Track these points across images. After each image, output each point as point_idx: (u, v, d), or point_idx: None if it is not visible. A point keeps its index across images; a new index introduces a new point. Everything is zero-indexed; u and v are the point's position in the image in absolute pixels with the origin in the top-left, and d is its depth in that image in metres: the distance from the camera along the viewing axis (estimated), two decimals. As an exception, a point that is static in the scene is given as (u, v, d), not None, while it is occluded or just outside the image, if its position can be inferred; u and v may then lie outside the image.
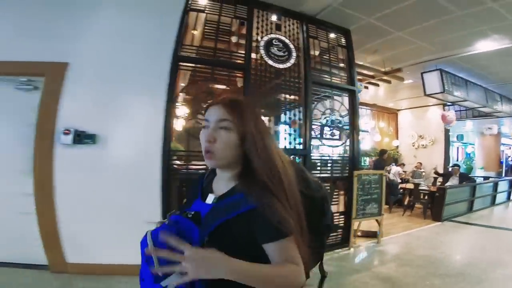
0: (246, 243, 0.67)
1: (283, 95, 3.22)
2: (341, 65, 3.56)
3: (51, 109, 2.23)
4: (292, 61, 3.11)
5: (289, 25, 3.22)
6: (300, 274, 0.65)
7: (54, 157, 2.22)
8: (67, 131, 2.20)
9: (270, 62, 2.99)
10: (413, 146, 8.11)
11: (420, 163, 7.30)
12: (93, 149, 2.27)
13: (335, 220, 3.21)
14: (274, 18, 3.17)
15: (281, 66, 3.04)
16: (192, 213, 0.74)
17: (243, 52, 2.93)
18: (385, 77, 5.36)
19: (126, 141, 2.39)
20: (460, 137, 9.81)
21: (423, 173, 7.12)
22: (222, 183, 0.78)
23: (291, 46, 3.13)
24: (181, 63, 2.66)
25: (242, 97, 0.81)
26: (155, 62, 2.50)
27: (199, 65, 2.82)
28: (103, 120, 2.32)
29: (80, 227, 2.30)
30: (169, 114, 2.48)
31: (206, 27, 2.83)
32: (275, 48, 3.04)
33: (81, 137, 2.23)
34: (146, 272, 0.66)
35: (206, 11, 2.84)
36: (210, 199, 0.78)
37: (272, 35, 3.08)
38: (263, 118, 0.80)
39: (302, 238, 0.69)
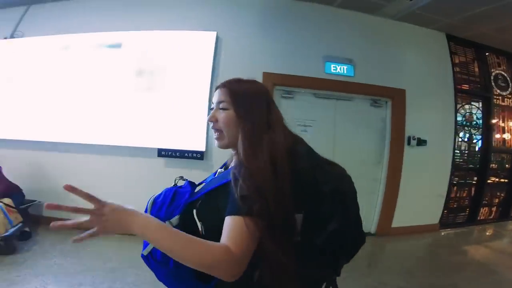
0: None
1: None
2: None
3: (399, 122, 3.29)
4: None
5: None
6: (223, 258, 0.55)
7: (404, 154, 3.28)
8: (413, 137, 3.26)
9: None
10: None
11: None
12: (424, 150, 3.34)
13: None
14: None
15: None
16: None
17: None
18: None
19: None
20: None
21: None
22: (232, 160, 0.81)
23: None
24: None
25: (248, 81, 0.81)
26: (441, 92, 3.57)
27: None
28: (429, 129, 3.40)
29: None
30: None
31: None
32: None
33: (419, 141, 3.29)
34: None
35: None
36: (217, 172, 0.84)
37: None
38: (272, 106, 0.77)
39: (276, 228, 0.59)
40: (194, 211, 0.75)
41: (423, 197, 3.44)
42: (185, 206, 0.75)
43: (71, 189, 0.57)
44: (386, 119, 3.38)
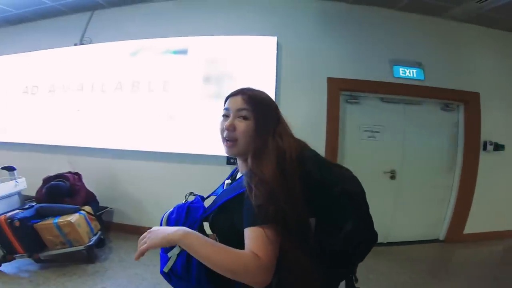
0: (241, 225, 0.65)
1: None
2: None
3: (474, 126, 3.13)
4: None
5: None
6: (253, 266, 0.58)
7: (479, 159, 3.12)
8: (490, 142, 3.09)
9: None
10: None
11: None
12: (502, 155, 3.16)
13: None
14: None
15: None
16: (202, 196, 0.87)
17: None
18: None
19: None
20: None
21: None
22: (241, 169, 0.82)
23: None
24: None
25: (261, 91, 0.83)
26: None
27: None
28: (507, 134, 3.21)
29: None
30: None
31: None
32: None
33: (496, 146, 3.12)
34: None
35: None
36: (225, 185, 0.85)
37: None
38: (280, 114, 0.80)
39: (292, 231, 0.61)
40: (208, 224, 0.77)
41: (499, 203, 3.24)
42: (201, 221, 0.78)
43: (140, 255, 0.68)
44: (459, 124, 3.22)
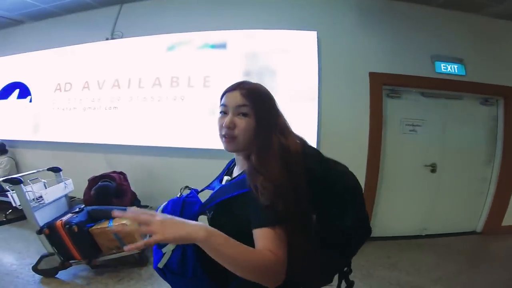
0: (245, 226, 0.64)
1: None
2: None
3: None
4: None
5: None
6: (274, 265, 0.57)
7: None
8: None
9: None
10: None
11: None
12: None
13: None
14: None
15: None
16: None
17: None
18: None
19: None
20: None
21: None
22: (239, 166, 0.80)
23: None
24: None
25: (259, 84, 0.79)
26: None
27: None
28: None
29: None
30: None
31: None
32: None
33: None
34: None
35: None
36: (224, 180, 0.82)
37: None
38: (278, 108, 0.78)
39: (298, 227, 0.62)
40: (206, 219, 0.74)
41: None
42: (197, 217, 0.75)
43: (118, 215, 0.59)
44: (498, 118, 3.27)
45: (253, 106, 0.72)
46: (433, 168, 3.21)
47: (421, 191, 3.22)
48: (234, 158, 0.86)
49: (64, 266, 2.24)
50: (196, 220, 0.73)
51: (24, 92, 3.57)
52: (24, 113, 3.61)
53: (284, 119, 0.77)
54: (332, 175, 0.71)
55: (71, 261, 2.26)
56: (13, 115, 3.68)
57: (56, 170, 2.59)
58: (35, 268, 2.24)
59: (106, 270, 2.40)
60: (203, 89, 3.16)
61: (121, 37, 3.51)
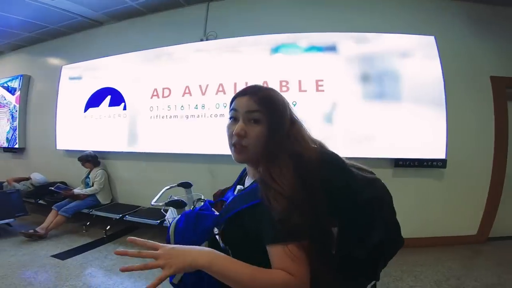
0: (257, 238, 0.60)
1: None
2: None
3: None
4: None
5: None
6: (293, 286, 0.54)
7: None
8: None
9: None
10: None
11: None
12: None
13: None
14: None
15: None
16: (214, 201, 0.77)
17: None
18: None
19: None
20: None
21: None
22: (250, 175, 0.75)
23: None
24: None
25: (272, 89, 0.74)
26: None
27: None
28: None
29: None
30: None
31: None
32: None
33: None
34: None
35: None
36: (237, 190, 0.76)
37: None
38: (293, 113, 0.73)
39: (316, 244, 0.57)
40: (217, 235, 0.70)
41: None
42: (212, 230, 0.71)
43: (133, 241, 0.57)
44: None
45: (265, 111, 0.66)
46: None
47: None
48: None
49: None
50: (210, 235, 0.69)
51: (117, 98, 3.25)
52: (118, 122, 3.31)
53: (300, 125, 0.71)
54: (356, 185, 0.65)
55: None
56: (106, 124, 3.38)
57: (186, 185, 2.32)
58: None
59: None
60: (315, 94, 2.94)
61: (216, 38, 3.25)
